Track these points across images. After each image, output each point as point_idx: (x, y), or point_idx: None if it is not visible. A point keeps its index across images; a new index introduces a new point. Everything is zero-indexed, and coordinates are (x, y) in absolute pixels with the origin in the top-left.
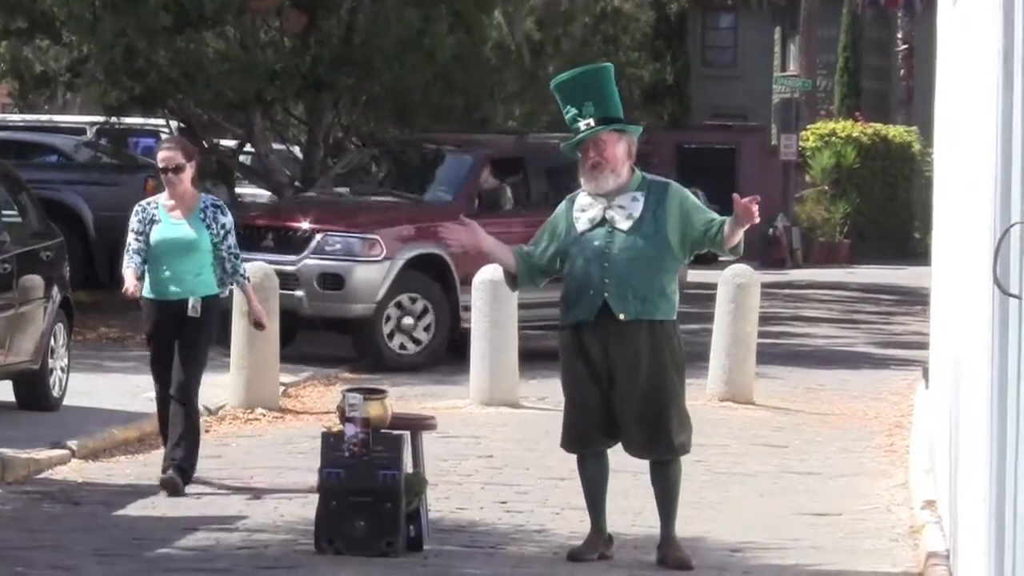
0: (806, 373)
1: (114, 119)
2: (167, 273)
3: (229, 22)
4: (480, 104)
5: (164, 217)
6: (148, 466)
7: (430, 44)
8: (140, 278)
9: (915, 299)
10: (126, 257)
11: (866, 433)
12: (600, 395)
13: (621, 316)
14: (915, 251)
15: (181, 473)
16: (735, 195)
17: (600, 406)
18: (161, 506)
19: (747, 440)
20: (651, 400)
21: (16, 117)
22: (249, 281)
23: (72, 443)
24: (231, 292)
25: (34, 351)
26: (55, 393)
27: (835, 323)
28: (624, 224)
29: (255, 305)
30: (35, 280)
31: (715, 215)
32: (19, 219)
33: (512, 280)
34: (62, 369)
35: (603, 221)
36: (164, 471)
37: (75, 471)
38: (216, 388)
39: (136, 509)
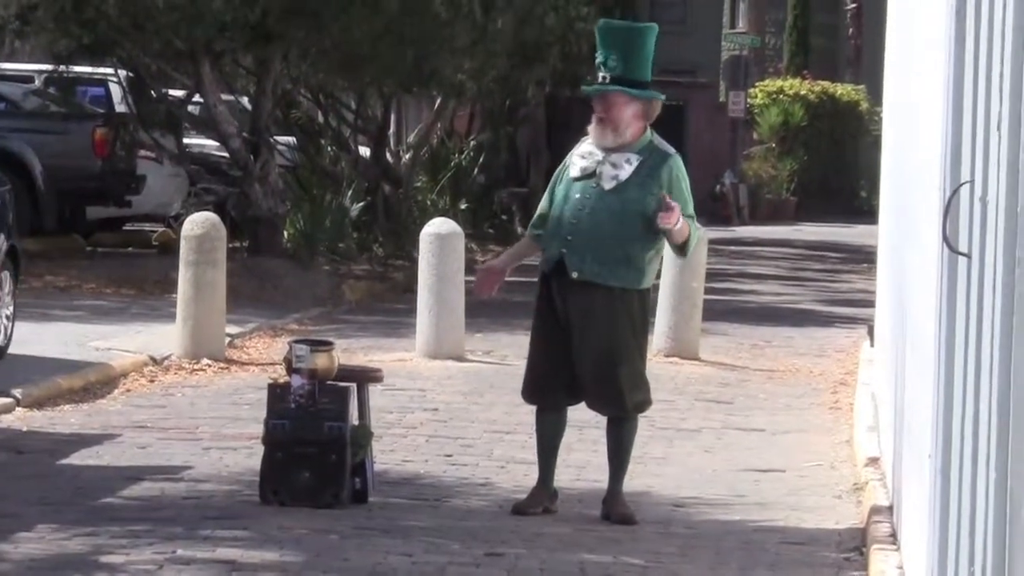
0: (752, 330)
1: (63, 68)
2: None
3: None
4: (430, 57)
5: None
6: (93, 415)
7: None
8: None
9: (861, 257)
10: None
11: (811, 390)
12: (563, 348)
13: (574, 274)
14: (861, 209)
15: None
16: (663, 194)
17: (562, 360)
18: (106, 455)
19: (692, 396)
20: (603, 360)
21: None
22: None
23: (16, 391)
24: (179, 243)
25: None
26: (0, 341)
27: (781, 280)
28: (608, 184)
29: None
30: None
31: (690, 213)
32: None
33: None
34: (7, 317)
35: (592, 174)
36: None
37: (19, 420)
38: (162, 338)
39: (81, 458)
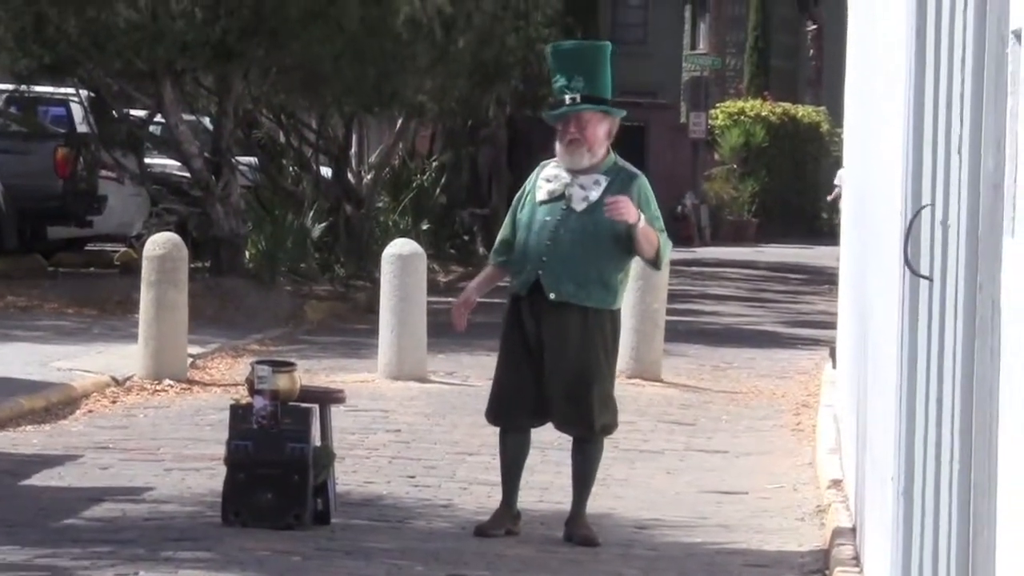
0: (713, 351)
1: (23, 87)
2: None
3: None
4: (391, 77)
5: None
6: (55, 436)
7: (337, 14)
8: None
9: (822, 279)
10: None
11: (773, 412)
12: (532, 371)
13: (551, 296)
14: (822, 230)
15: None
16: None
17: (530, 383)
18: (68, 476)
19: (654, 417)
20: (575, 380)
21: None
22: None
23: None
24: (140, 263)
25: None
26: None
27: (743, 301)
28: (579, 205)
29: None
30: None
31: (660, 228)
32: None
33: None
34: None
35: (560, 197)
36: None
37: None
38: (123, 359)
39: (42, 479)
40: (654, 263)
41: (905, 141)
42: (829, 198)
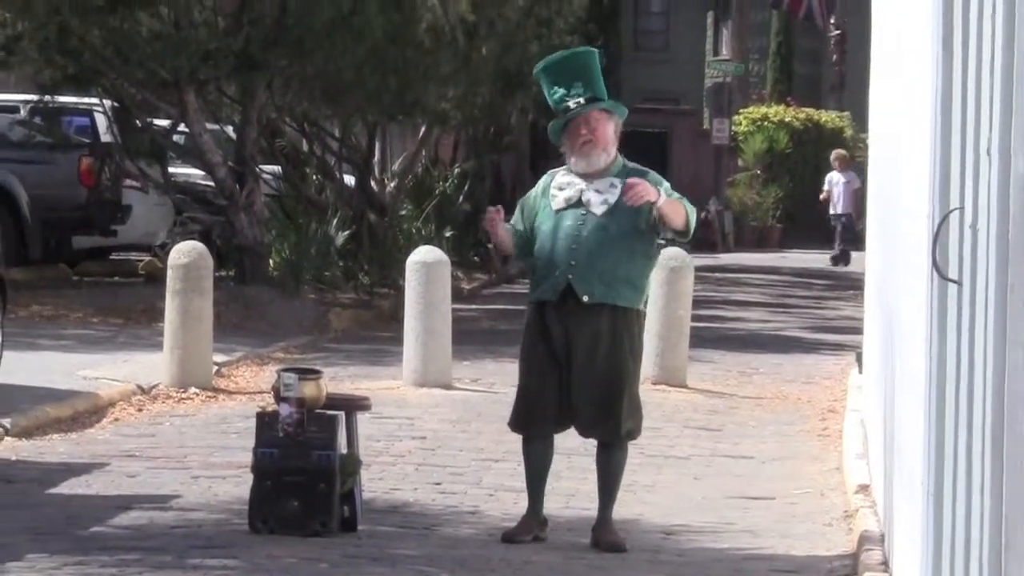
0: (738, 357)
1: (47, 98)
2: None
3: (162, 1)
4: (414, 85)
5: None
6: (81, 444)
7: (360, 24)
8: None
9: (846, 284)
10: None
11: (799, 417)
12: (557, 378)
13: (584, 298)
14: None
15: None
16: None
17: (556, 389)
18: (95, 484)
19: (680, 423)
20: (605, 383)
21: None
22: None
23: (5, 421)
24: (165, 272)
25: None
26: None
27: (767, 307)
28: (599, 209)
29: None
30: None
31: (673, 193)
32: None
33: (504, 259)
34: None
35: (578, 203)
36: None
37: (8, 449)
38: (149, 367)
39: (69, 487)
40: (685, 232)
41: (932, 144)
42: (821, 197)
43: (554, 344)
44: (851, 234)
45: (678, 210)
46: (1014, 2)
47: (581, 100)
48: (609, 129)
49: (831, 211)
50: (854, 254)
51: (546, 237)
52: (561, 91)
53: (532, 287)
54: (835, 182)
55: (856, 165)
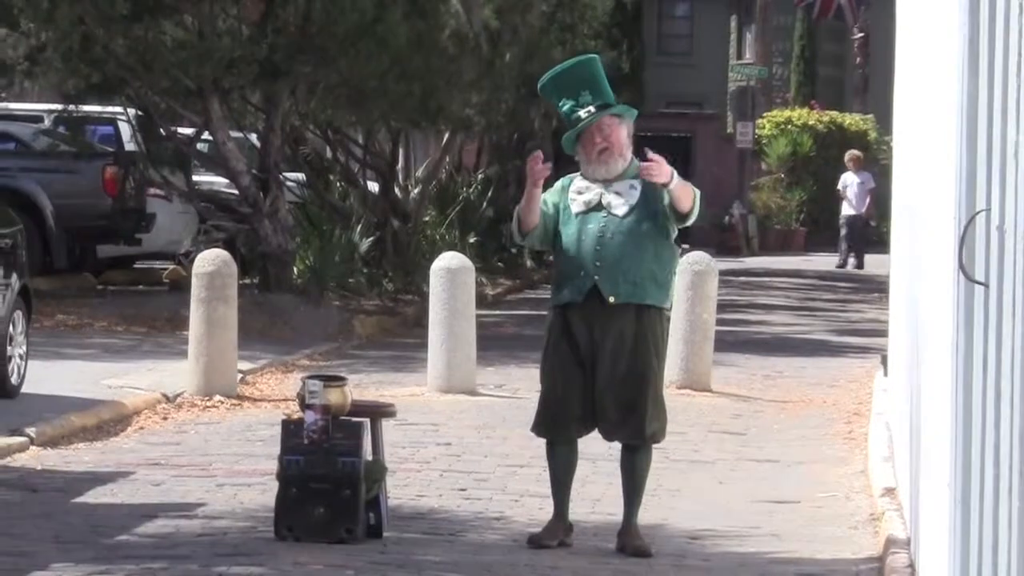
0: (763, 360)
1: (72, 107)
2: None
3: (186, 10)
4: (437, 92)
5: None
6: (106, 453)
7: (383, 31)
8: None
9: (871, 287)
10: None
11: (824, 420)
12: (581, 381)
13: (611, 299)
14: (871, 239)
15: None
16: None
17: (580, 392)
18: (120, 493)
19: (705, 427)
20: (630, 384)
21: None
22: None
23: (30, 430)
24: (189, 281)
25: None
26: (13, 380)
27: (792, 310)
28: (620, 210)
29: None
30: None
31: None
32: None
33: (521, 234)
34: (20, 356)
35: (599, 206)
36: None
37: (33, 458)
38: (174, 375)
39: (95, 496)
40: (688, 214)
41: (958, 147)
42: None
43: (578, 346)
44: (859, 237)
45: (687, 192)
46: None
47: (591, 108)
48: (623, 133)
49: (842, 212)
50: (875, 256)
51: (570, 241)
52: (570, 102)
53: (555, 291)
54: (848, 183)
55: (872, 166)
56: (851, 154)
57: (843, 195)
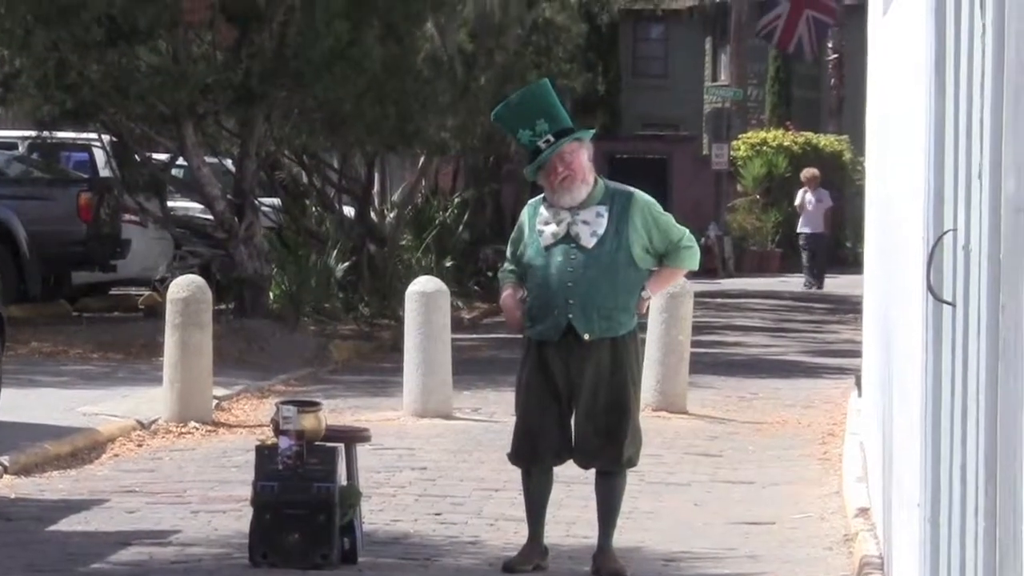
0: (739, 382)
1: (46, 133)
2: None
3: (161, 36)
4: (413, 115)
5: None
6: (80, 481)
7: (358, 55)
8: None
9: (846, 308)
10: None
11: (799, 442)
12: (558, 413)
13: (586, 336)
14: (846, 260)
15: None
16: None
17: (555, 425)
18: (94, 521)
19: (680, 449)
20: (609, 414)
21: None
22: None
23: (4, 458)
24: (164, 307)
25: None
26: None
27: (767, 332)
28: (589, 242)
29: None
30: None
31: (679, 235)
32: None
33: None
34: None
35: (567, 237)
36: None
37: (7, 486)
38: (149, 402)
39: (69, 524)
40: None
41: (927, 168)
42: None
43: (555, 380)
44: (818, 258)
45: (668, 279)
46: (1003, 26)
47: (550, 138)
48: (583, 158)
49: (800, 229)
50: (849, 277)
51: (538, 275)
52: (527, 132)
53: (528, 323)
54: (806, 201)
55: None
56: (806, 172)
57: (799, 211)
